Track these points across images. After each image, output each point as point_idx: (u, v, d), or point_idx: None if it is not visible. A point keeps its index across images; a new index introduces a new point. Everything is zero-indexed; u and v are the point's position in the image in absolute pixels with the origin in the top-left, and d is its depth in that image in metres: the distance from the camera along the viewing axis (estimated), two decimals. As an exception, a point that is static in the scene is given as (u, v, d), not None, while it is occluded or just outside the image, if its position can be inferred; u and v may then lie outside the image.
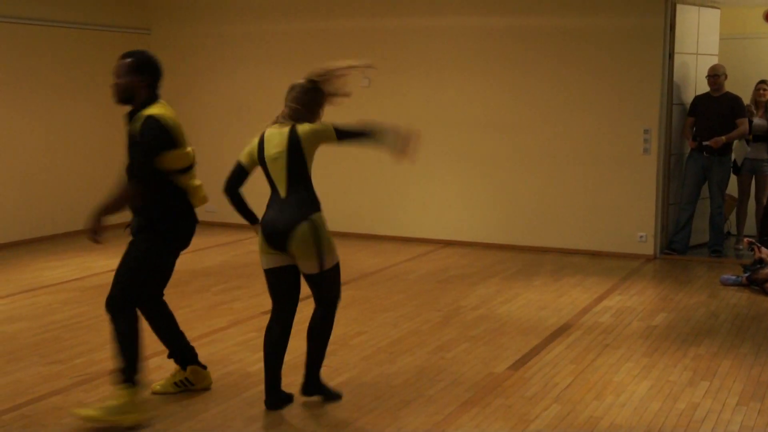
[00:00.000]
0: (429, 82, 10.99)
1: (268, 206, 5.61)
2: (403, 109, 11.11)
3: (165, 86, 12.48)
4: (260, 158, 5.70)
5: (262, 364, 6.45)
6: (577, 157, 10.31)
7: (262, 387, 6.01)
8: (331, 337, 7.13)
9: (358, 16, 11.28)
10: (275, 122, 5.77)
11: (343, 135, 5.72)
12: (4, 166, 10.92)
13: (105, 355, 6.72)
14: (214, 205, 12.53)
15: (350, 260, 10.12)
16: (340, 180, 11.61)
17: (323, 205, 11.80)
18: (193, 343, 7.04)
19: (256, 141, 5.82)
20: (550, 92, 10.36)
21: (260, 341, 6.99)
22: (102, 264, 9.89)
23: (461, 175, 10.96)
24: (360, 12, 11.25)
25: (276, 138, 5.65)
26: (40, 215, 11.42)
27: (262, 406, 5.67)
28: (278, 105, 11.65)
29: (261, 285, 8.85)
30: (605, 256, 10.21)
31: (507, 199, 10.75)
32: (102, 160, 12.14)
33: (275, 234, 5.49)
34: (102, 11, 12.06)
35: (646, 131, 10.00)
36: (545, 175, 10.50)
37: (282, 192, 5.58)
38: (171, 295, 8.56)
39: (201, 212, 12.59)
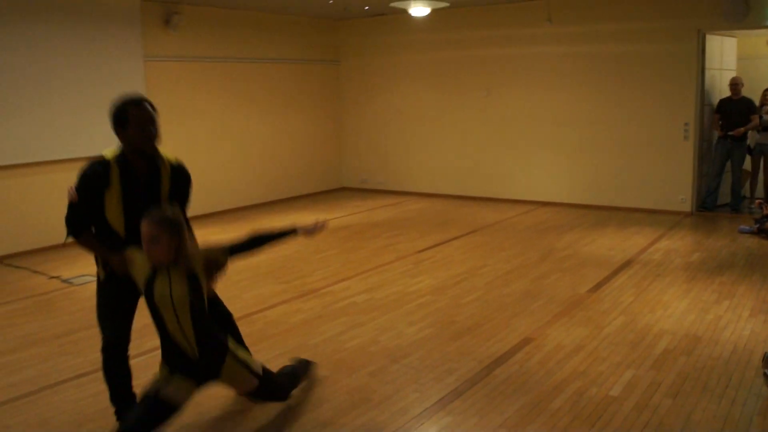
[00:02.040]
0: (530, 91, 10.84)
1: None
2: (512, 110, 11.02)
3: (351, 99, 12.82)
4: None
5: (419, 287, 6.56)
6: (636, 142, 10.05)
7: (420, 301, 6.12)
8: (462, 268, 7.22)
9: (480, 48, 11.19)
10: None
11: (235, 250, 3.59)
12: (251, 153, 11.26)
13: (314, 278, 6.90)
14: (367, 176, 12.84)
15: (477, 216, 10.11)
16: (469, 158, 11.60)
17: (452, 174, 11.79)
18: (368, 273, 7.18)
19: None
20: (616, 98, 10.10)
21: (416, 271, 7.11)
22: (309, 219, 10.10)
23: (554, 155, 10.80)
24: (481, 45, 11.16)
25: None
26: (269, 185, 11.73)
27: (422, 314, 5.74)
28: (425, 113, 11.89)
29: (416, 232, 9.00)
30: (657, 213, 9.93)
31: (587, 173, 10.56)
32: (303, 149, 12.43)
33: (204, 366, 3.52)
34: (305, 50, 12.24)
35: (685, 124, 9.68)
36: (614, 156, 10.27)
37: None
38: (354, 240, 8.80)
39: (356, 182, 12.94)
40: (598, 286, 6.45)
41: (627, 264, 7.23)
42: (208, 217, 10.34)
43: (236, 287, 6.67)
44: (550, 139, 10.79)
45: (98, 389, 4.41)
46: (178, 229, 3.37)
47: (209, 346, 3.49)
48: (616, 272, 6.92)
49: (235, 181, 11.13)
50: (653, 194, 10.04)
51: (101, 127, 8.91)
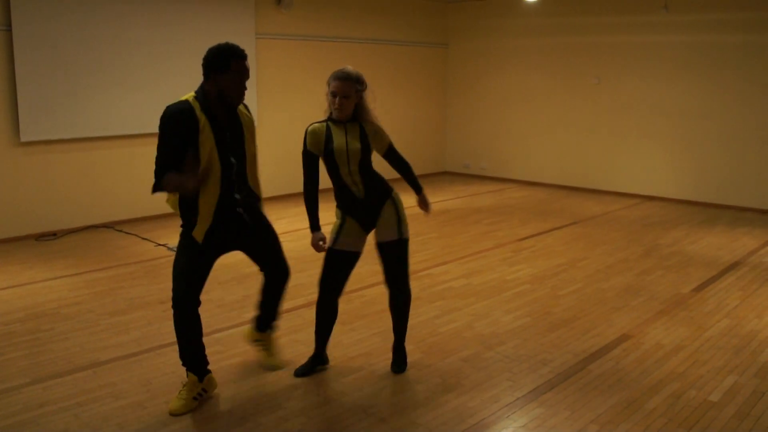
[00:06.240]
0: (642, 80, 10.53)
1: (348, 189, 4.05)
2: (622, 100, 10.76)
3: (458, 83, 12.78)
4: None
5: (517, 275, 6.52)
6: (751, 138, 9.65)
7: (518, 289, 6.08)
8: (563, 259, 7.13)
9: (591, 34, 10.95)
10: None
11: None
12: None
13: (413, 261, 6.92)
14: (470, 161, 12.80)
15: (580, 207, 9.95)
16: (575, 147, 11.41)
17: (557, 162, 11.58)
18: (467, 258, 7.18)
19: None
20: (732, 91, 9.70)
21: (516, 259, 7.06)
22: (410, 201, 10.16)
23: (663, 148, 10.50)
24: (593, 31, 10.92)
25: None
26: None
27: (519, 302, 5.70)
28: (532, 100, 11.74)
29: (517, 220, 8.93)
30: (770, 213, 9.58)
31: (696, 167, 10.22)
32: (407, 132, 12.45)
33: (368, 208, 4.11)
34: (414, 32, 12.25)
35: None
36: (726, 151, 9.90)
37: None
38: (454, 224, 8.82)
39: (459, 166, 12.91)
40: (702, 287, 6.26)
41: (735, 265, 6.98)
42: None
43: (334, 265, 6.77)
44: (660, 132, 10.48)
45: (198, 355, 4.59)
46: (361, 89, 3.99)
47: (374, 189, 4.10)
48: (722, 273, 6.70)
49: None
50: (767, 193, 9.64)
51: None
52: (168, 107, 3.62)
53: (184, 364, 3.95)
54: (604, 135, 11.09)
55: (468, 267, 6.80)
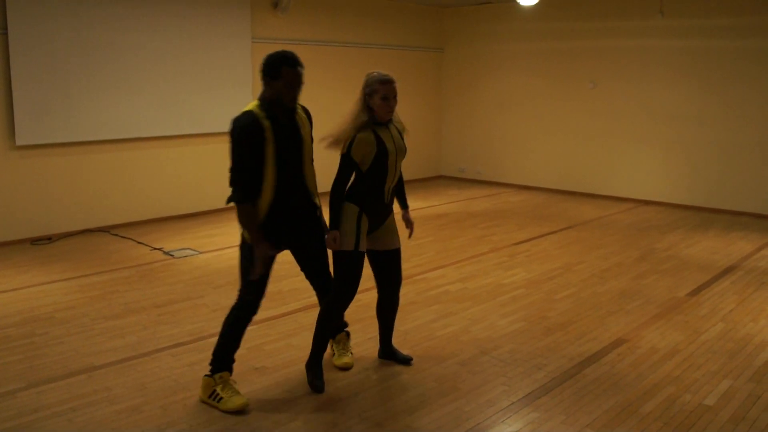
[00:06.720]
0: (638, 85, 10.56)
1: (371, 194, 4.16)
2: (618, 104, 10.77)
3: (453, 87, 12.78)
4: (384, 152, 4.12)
5: (513, 279, 6.53)
6: (746, 143, 9.67)
7: (514, 293, 6.08)
8: (558, 263, 7.13)
9: (587, 39, 10.98)
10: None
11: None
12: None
13: (409, 265, 6.93)
14: (465, 166, 12.79)
15: (576, 211, 9.95)
16: (571, 151, 11.42)
17: (553, 167, 11.54)
18: (463, 262, 7.17)
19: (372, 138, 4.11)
20: (728, 96, 9.73)
21: (511, 263, 7.07)
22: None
23: (659, 153, 10.52)
24: (589, 36, 10.95)
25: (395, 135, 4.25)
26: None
27: (515, 306, 5.71)
28: (528, 104, 11.76)
29: (513, 224, 8.93)
30: (765, 218, 9.55)
31: (691, 171, 10.24)
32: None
33: (385, 212, 4.26)
34: (409, 36, 12.26)
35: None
36: (722, 156, 9.92)
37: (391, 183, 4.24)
38: (450, 228, 8.83)
39: (454, 171, 12.90)
40: (697, 290, 6.27)
41: (730, 269, 7.00)
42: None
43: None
44: (655, 136, 10.50)
45: (193, 359, 4.58)
46: None
47: (391, 197, 4.27)
48: (717, 277, 6.71)
49: (334, 165, 11.27)
50: (762, 198, 9.66)
51: (210, 106, 9.15)
52: (236, 121, 3.80)
53: (215, 362, 4.01)
54: (599, 139, 11.11)
55: (464, 271, 6.80)
